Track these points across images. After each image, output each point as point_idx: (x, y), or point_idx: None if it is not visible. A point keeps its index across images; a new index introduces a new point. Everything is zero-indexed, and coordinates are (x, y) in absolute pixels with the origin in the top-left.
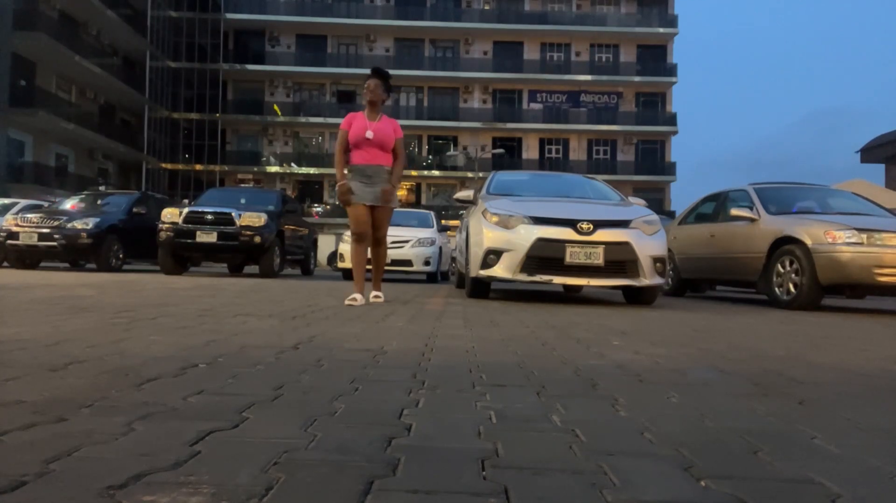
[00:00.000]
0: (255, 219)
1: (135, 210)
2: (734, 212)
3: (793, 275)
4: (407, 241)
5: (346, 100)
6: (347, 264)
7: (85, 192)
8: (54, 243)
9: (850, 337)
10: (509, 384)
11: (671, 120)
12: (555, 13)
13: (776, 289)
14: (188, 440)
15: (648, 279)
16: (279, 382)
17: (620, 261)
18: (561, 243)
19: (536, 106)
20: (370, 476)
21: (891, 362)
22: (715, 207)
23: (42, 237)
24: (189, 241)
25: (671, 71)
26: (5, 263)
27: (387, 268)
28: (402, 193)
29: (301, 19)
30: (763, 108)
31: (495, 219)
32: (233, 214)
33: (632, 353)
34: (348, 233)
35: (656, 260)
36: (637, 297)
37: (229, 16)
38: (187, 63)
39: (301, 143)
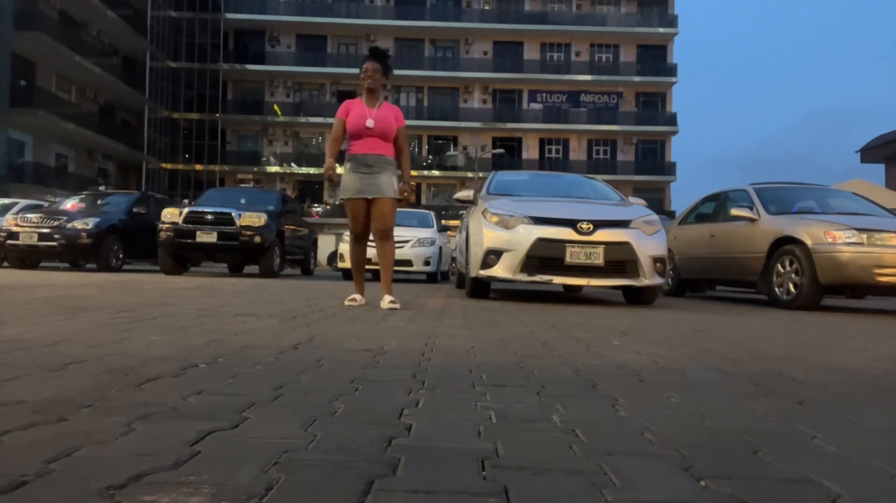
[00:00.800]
0: (255, 219)
1: (135, 210)
2: (734, 212)
3: (793, 275)
4: (407, 241)
5: (346, 100)
6: (347, 264)
7: (85, 192)
8: (54, 243)
9: (851, 337)
10: (509, 384)
11: (671, 120)
12: (555, 13)
13: (776, 289)
14: (188, 440)
15: (648, 279)
16: (279, 382)
17: (620, 261)
18: (561, 243)
19: (536, 106)
20: (370, 476)
21: (891, 362)
22: (715, 207)
23: (42, 237)
24: (189, 241)
25: (671, 71)
26: (5, 263)
27: None
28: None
29: (301, 19)
30: (763, 108)
31: (495, 219)
32: (233, 214)
33: (632, 353)
34: (348, 233)
35: (656, 260)
36: (637, 297)
37: (229, 16)
38: (187, 63)
39: (301, 143)
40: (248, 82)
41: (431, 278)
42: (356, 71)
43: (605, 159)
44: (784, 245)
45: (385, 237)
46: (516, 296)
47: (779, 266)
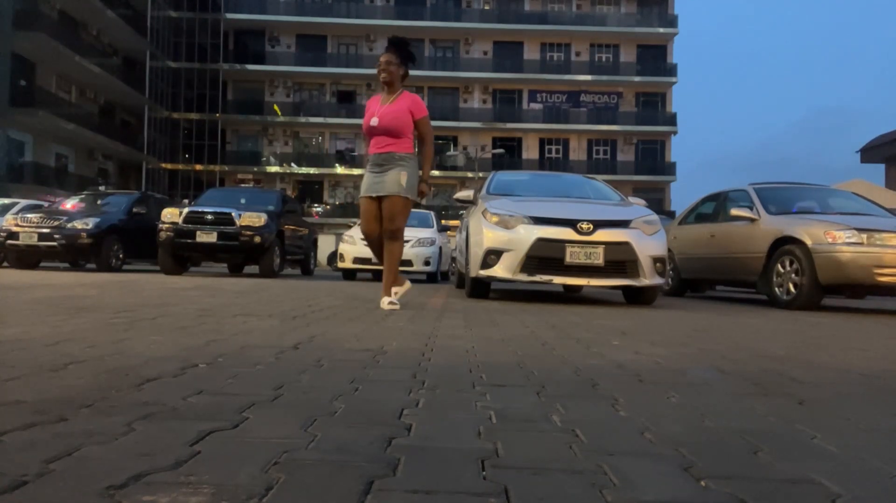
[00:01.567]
0: (255, 219)
1: (135, 210)
2: (734, 212)
3: (793, 275)
4: (407, 241)
5: (346, 100)
6: (347, 264)
7: (85, 192)
8: (54, 243)
9: (850, 337)
10: (509, 384)
11: (671, 120)
12: (555, 13)
13: (776, 289)
14: (188, 440)
15: (648, 279)
16: (279, 382)
17: (620, 261)
18: (561, 243)
19: (536, 106)
20: (370, 476)
21: (891, 362)
22: (715, 207)
23: (42, 237)
24: (189, 241)
25: (671, 71)
26: (5, 263)
27: None
28: None
29: (301, 19)
30: (763, 108)
31: (495, 219)
32: (233, 214)
33: (632, 353)
34: (348, 233)
35: (656, 260)
36: (637, 297)
37: (229, 16)
38: (187, 63)
39: (301, 143)
40: (248, 82)
41: (431, 278)
42: (356, 71)
43: (605, 159)
44: (784, 245)
45: (392, 237)
46: (516, 296)
47: (779, 266)
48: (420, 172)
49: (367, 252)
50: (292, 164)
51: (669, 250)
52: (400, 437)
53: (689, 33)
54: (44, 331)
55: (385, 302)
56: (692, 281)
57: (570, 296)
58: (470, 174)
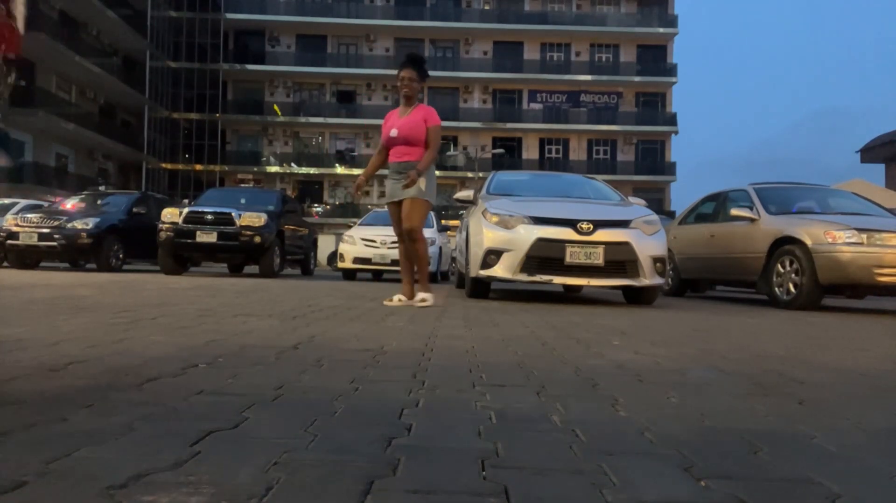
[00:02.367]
0: (255, 219)
1: (135, 210)
2: (734, 212)
3: (793, 275)
4: None
5: (346, 100)
6: (347, 264)
7: (85, 192)
8: (54, 243)
9: (850, 337)
10: (509, 384)
11: (671, 120)
12: (555, 13)
13: (776, 289)
14: (188, 440)
15: (648, 279)
16: (279, 382)
17: (620, 261)
18: (561, 243)
19: (536, 106)
20: (370, 476)
21: (891, 362)
22: (715, 207)
23: (42, 237)
24: (189, 241)
25: (671, 71)
26: (5, 263)
27: (387, 268)
28: None
29: (301, 19)
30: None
31: (495, 219)
32: (233, 214)
33: (632, 353)
34: (348, 233)
35: (656, 260)
36: (637, 297)
37: (229, 16)
38: (187, 63)
39: (301, 143)
40: (248, 82)
41: (431, 278)
42: (356, 71)
43: (605, 159)
44: (784, 245)
45: (410, 238)
46: (516, 296)
47: (779, 266)
48: (424, 168)
49: (367, 252)
50: (292, 164)
51: (669, 250)
52: (400, 437)
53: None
54: (44, 331)
55: (418, 298)
56: (692, 281)
57: (570, 296)
58: (470, 174)
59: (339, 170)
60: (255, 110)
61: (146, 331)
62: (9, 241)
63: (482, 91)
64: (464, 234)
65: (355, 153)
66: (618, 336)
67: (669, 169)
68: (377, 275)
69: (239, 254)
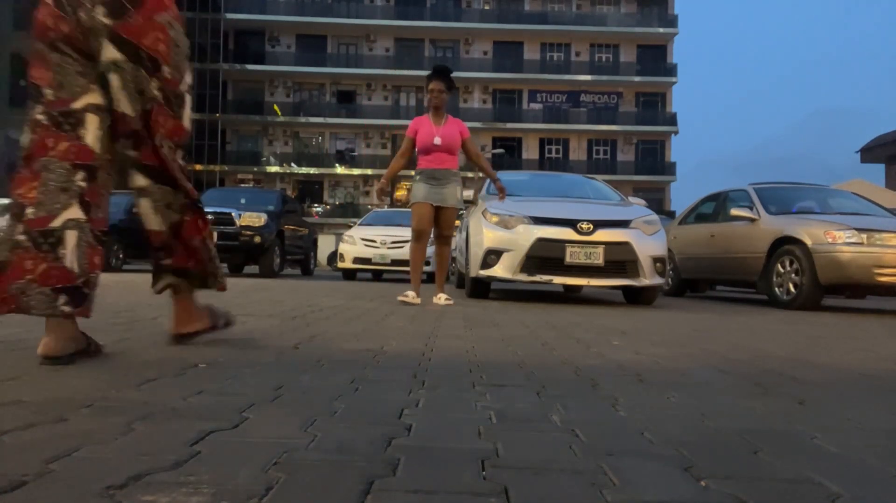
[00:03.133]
0: (255, 219)
1: (135, 210)
2: (734, 212)
3: (793, 275)
4: (407, 241)
5: (346, 100)
6: (347, 264)
7: None
8: None
9: (851, 337)
10: (509, 384)
11: (671, 120)
12: (555, 13)
13: (776, 289)
14: (188, 440)
15: (648, 279)
16: (279, 382)
17: (620, 261)
18: (561, 243)
19: (536, 106)
20: (370, 476)
21: (891, 362)
22: (715, 207)
23: None
24: None
25: (671, 71)
26: None
27: (387, 268)
28: (401, 193)
29: (301, 19)
30: (763, 108)
31: (495, 219)
32: (233, 214)
33: (632, 353)
34: (348, 233)
35: (656, 260)
36: (637, 297)
37: (229, 16)
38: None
39: (301, 143)
40: (248, 82)
41: (432, 278)
42: (356, 71)
43: (605, 159)
44: (784, 245)
45: (446, 241)
46: (516, 296)
47: (779, 266)
48: (484, 176)
49: (367, 252)
50: (292, 164)
51: (669, 250)
52: (400, 437)
53: (689, 33)
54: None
55: (442, 298)
56: (692, 281)
57: (570, 296)
58: (470, 174)
59: (339, 170)
60: (255, 110)
61: (146, 332)
62: None
63: (482, 91)
64: (464, 233)
65: (355, 153)
66: (618, 336)
67: (669, 169)
68: (377, 276)
69: (239, 254)
